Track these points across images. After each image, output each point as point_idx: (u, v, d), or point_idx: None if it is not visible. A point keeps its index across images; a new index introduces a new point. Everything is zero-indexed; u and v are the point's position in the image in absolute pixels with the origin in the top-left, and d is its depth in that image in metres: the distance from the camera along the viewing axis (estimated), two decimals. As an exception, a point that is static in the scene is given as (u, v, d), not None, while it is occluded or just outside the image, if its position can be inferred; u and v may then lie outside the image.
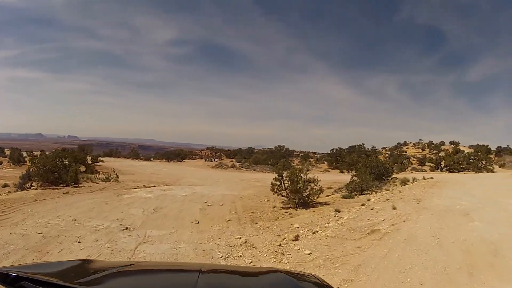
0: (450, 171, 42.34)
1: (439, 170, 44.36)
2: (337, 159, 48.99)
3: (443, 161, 47.18)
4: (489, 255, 7.83)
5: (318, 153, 76.77)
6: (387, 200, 14.61)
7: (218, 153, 67.10)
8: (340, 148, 54.81)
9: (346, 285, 6.42)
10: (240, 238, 9.49)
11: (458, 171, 41.65)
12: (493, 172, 41.61)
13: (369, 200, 15.60)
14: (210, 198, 16.42)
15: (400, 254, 7.77)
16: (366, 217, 11.26)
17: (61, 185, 18.75)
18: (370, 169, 22.49)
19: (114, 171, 27.16)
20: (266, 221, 11.90)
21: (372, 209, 12.54)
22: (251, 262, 7.79)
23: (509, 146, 67.94)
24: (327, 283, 2.21)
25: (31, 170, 18.57)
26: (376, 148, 58.05)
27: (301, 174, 15.07)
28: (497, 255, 7.82)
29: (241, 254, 8.29)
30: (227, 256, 8.13)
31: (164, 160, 53.17)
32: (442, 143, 73.51)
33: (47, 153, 31.39)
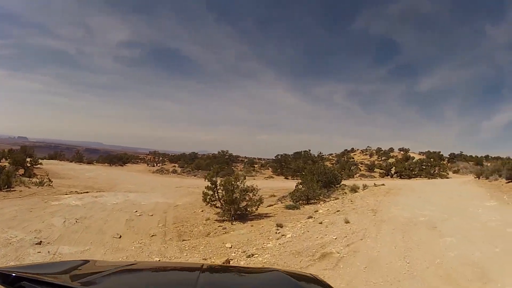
0: (401, 178, 42.75)
1: (389, 177, 44.60)
2: (282, 165, 48.87)
3: (394, 167, 47.73)
4: (477, 283, 6.19)
5: (264, 159, 76.19)
6: (338, 211, 13.35)
7: (161, 158, 66.87)
8: (285, 154, 54.07)
9: None
10: (159, 261, 8.43)
11: (410, 177, 42.15)
12: (447, 178, 42.53)
13: (317, 211, 14.14)
14: (141, 207, 15.38)
15: (363, 291, 6.04)
16: (314, 234, 9.83)
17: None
18: (317, 176, 21.22)
19: (47, 175, 25.45)
20: (194, 238, 10.88)
21: (320, 223, 11.23)
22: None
23: (463, 153, 70.70)
24: (327, 283, 2.24)
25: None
26: (323, 154, 57.56)
27: (237, 182, 13.77)
28: (487, 281, 6.20)
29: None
30: None
31: (106, 164, 51.95)
32: (391, 149, 75.23)
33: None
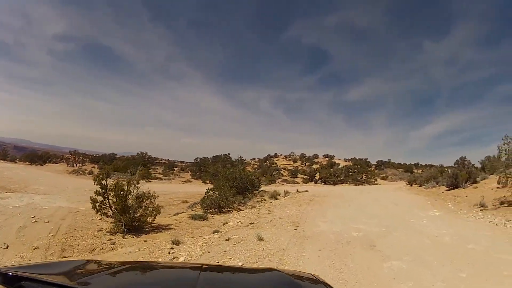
0: (325, 184, 42.31)
1: (313, 183, 44.03)
2: (201, 168, 47.67)
3: (318, 173, 47.19)
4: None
5: (187, 162, 73.84)
6: (251, 224, 11.54)
7: (81, 158, 63.81)
8: (205, 158, 53.46)
9: None
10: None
11: (335, 184, 41.84)
12: (375, 184, 42.94)
13: (227, 223, 12.29)
14: (41, 212, 13.77)
15: None
16: (216, 256, 8.02)
17: None
18: (232, 182, 19.60)
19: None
20: (77, 254, 9.59)
21: (227, 240, 9.47)
22: None
23: (391, 160, 73.39)
24: (327, 283, 2.18)
25: None
26: (244, 158, 56.03)
27: (130, 188, 11.98)
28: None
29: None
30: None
31: (27, 163, 50.09)
32: (316, 156, 75.38)
33: None
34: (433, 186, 23.66)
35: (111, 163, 54.36)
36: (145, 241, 10.45)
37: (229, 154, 51.40)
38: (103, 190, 12.07)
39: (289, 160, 74.34)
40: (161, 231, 11.51)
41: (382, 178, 51.54)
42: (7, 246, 9.81)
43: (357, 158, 71.86)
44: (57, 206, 15.87)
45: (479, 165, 24.52)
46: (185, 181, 42.64)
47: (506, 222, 10.68)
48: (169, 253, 8.78)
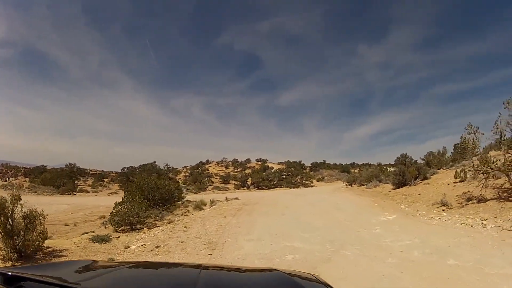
0: (259, 189, 40.65)
1: (245, 188, 42.17)
2: (129, 178, 43.47)
3: (250, 178, 45.47)
4: None
5: (117, 172, 68.52)
6: (157, 247, 9.41)
7: (14, 171, 59.87)
8: (132, 167, 50.90)
9: None
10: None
11: (269, 188, 40.35)
12: (312, 186, 41.70)
13: (128, 247, 9.94)
14: None
15: None
16: None
17: None
18: (147, 193, 16.93)
19: None
20: None
21: None
22: None
23: (326, 161, 73.16)
24: (327, 283, 2.03)
25: None
26: (170, 166, 53.08)
27: (14, 206, 9.35)
28: None
29: None
30: None
31: None
32: (248, 160, 73.48)
33: None
34: (376, 186, 22.23)
35: (40, 175, 51.47)
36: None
37: (155, 162, 48.15)
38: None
39: (222, 166, 72.05)
40: (51, 259, 9.22)
41: (318, 180, 50.69)
42: None
43: (291, 160, 70.80)
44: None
45: (421, 161, 23.76)
46: (111, 192, 40.46)
47: (483, 222, 8.71)
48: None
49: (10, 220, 9.35)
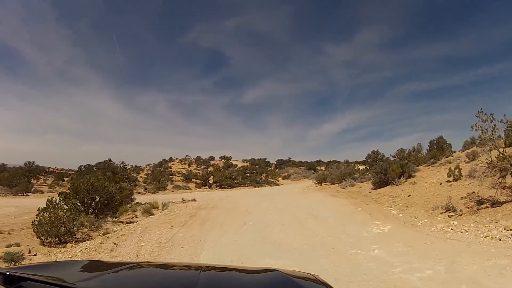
0: (221, 188, 38.47)
1: (207, 187, 39.90)
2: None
3: (212, 176, 43.16)
4: None
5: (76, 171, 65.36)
6: None
7: None
8: (89, 165, 47.79)
9: None
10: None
11: (232, 187, 38.26)
12: (277, 185, 40.14)
13: None
14: None
15: None
16: None
17: None
18: (83, 196, 14.25)
19: None
20: None
21: None
22: None
23: (291, 159, 72.08)
24: (327, 283, 2.04)
25: None
26: (128, 164, 49.84)
27: None
28: None
29: None
30: None
31: None
32: (212, 158, 72.42)
33: None
34: (352, 185, 20.26)
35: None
36: None
37: (110, 159, 45.32)
38: None
39: (185, 163, 69.61)
40: None
41: (284, 178, 49.09)
42: None
43: (255, 158, 69.09)
44: None
45: (392, 158, 22.49)
46: (68, 193, 36.49)
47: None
48: None
49: None
